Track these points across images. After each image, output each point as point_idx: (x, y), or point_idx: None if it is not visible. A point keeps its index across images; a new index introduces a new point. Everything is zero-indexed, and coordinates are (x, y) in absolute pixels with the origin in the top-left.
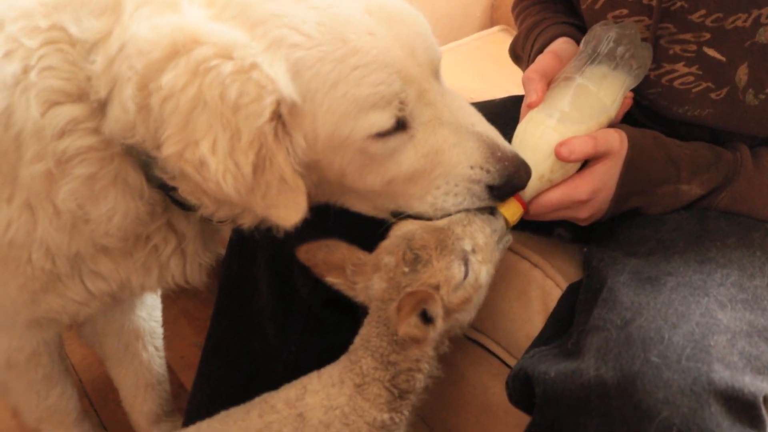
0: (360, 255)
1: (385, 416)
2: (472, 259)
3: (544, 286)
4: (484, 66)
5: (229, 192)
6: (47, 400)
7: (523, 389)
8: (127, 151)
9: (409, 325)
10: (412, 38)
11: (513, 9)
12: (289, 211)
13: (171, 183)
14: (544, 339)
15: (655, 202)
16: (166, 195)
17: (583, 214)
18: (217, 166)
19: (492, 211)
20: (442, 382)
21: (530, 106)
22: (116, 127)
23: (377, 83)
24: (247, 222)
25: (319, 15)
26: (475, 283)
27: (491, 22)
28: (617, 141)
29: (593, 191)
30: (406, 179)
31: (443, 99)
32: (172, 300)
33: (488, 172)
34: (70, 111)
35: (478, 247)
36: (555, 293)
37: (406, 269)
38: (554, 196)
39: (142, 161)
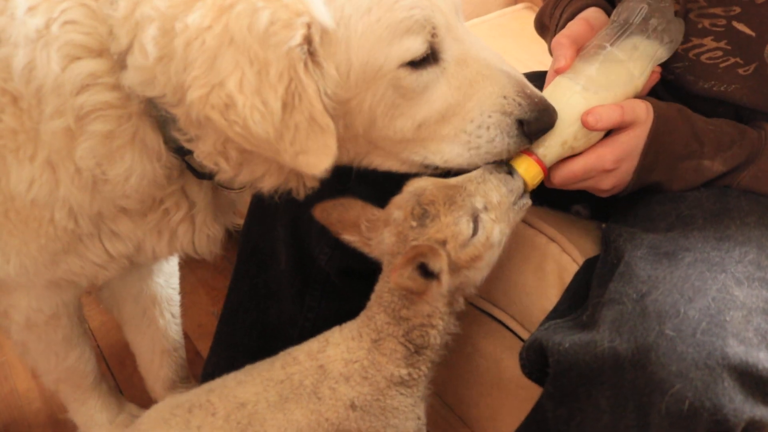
0: (374, 211)
1: (403, 371)
2: (484, 216)
3: (561, 260)
4: (506, 43)
5: (258, 132)
6: (66, 361)
7: (536, 360)
8: (145, 110)
9: (402, 276)
10: None
11: None
12: (318, 156)
13: (188, 146)
14: (559, 312)
15: (678, 177)
16: (182, 160)
17: (605, 185)
18: (245, 104)
19: (510, 170)
20: (456, 353)
21: (558, 72)
22: (136, 77)
23: (411, 7)
24: (268, 184)
25: None
26: (486, 241)
27: None
28: (644, 111)
29: (618, 160)
30: (438, 118)
31: (469, 37)
32: (191, 269)
33: (519, 105)
34: (89, 66)
35: (492, 205)
36: (571, 268)
37: (414, 223)
38: (579, 165)
39: (161, 121)
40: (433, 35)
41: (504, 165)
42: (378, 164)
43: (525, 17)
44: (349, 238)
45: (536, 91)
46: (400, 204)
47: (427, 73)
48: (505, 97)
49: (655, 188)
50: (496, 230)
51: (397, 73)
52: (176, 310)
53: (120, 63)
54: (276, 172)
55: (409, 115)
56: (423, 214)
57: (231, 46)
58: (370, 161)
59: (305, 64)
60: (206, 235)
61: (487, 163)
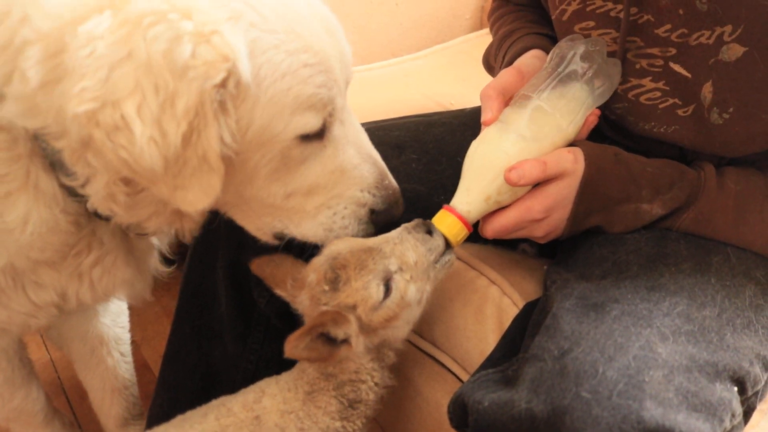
0: (301, 270)
1: (338, 424)
2: (398, 277)
3: (501, 303)
4: (468, 70)
5: (146, 162)
6: (11, 402)
7: (462, 415)
8: (34, 150)
9: (296, 348)
10: (341, 51)
11: (489, 16)
12: (198, 194)
13: (82, 191)
14: (493, 360)
15: (616, 221)
16: (83, 204)
17: (538, 233)
18: (143, 132)
19: (430, 229)
20: (400, 395)
21: (485, 124)
22: (14, 108)
23: (320, 85)
24: (153, 225)
25: (274, 1)
26: (401, 301)
27: (481, 24)
28: (570, 162)
29: (546, 210)
30: (306, 192)
31: (350, 118)
32: (156, 298)
33: (374, 196)
34: None
35: (407, 266)
36: (511, 312)
37: (326, 287)
38: (508, 218)
39: (52, 162)
40: (331, 114)
41: (423, 224)
42: (237, 219)
43: (488, 43)
44: (280, 293)
45: (393, 182)
46: (315, 267)
47: (311, 148)
48: (362, 191)
49: (597, 230)
50: (411, 289)
51: (290, 142)
52: (125, 348)
53: (2, 99)
54: (161, 213)
55: (284, 182)
56: (335, 279)
57: (131, 62)
58: (233, 214)
59: (214, 107)
60: (120, 279)
61: (407, 224)
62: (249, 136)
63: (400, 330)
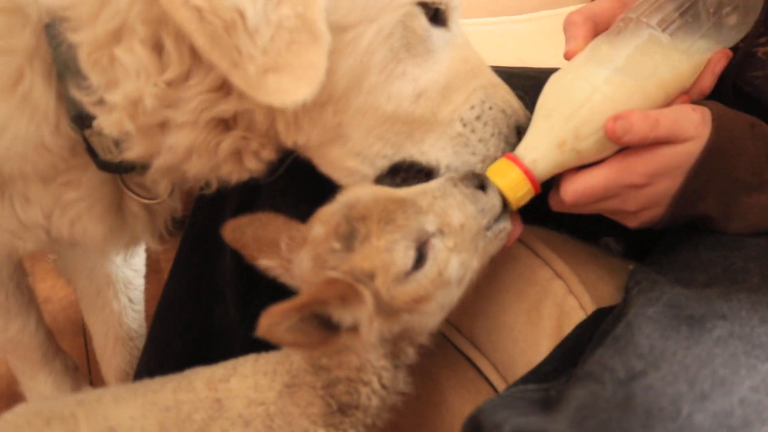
0: (299, 227)
1: (320, 431)
2: (437, 243)
3: (564, 304)
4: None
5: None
6: (7, 332)
7: None
8: (37, 49)
9: (276, 326)
10: None
11: None
12: (297, 79)
13: (93, 109)
14: (539, 374)
15: (737, 215)
16: (82, 135)
17: (632, 206)
18: None
19: (484, 183)
20: (421, 398)
21: (567, 57)
22: None
23: None
24: (194, 168)
25: None
26: (437, 276)
27: None
28: (694, 123)
29: (651, 174)
30: (442, 89)
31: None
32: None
33: (517, 111)
34: None
35: (450, 229)
36: (576, 316)
37: (337, 245)
38: (598, 176)
39: (60, 68)
40: (447, 4)
41: (475, 177)
42: (322, 159)
43: None
44: (267, 262)
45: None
46: (325, 217)
47: (437, 33)
48: (508, 93)
49: (704, 225)
50: (453, 262)
51: (412, 9)
52: (135, 294)
53: None
54: (206, 149)
55: (412, 77)
56: (350, 234)
57: None
58: (323, 155)
59: None
60: (89, 233)
61: (453, 173)
62: None
63: (431, 317)
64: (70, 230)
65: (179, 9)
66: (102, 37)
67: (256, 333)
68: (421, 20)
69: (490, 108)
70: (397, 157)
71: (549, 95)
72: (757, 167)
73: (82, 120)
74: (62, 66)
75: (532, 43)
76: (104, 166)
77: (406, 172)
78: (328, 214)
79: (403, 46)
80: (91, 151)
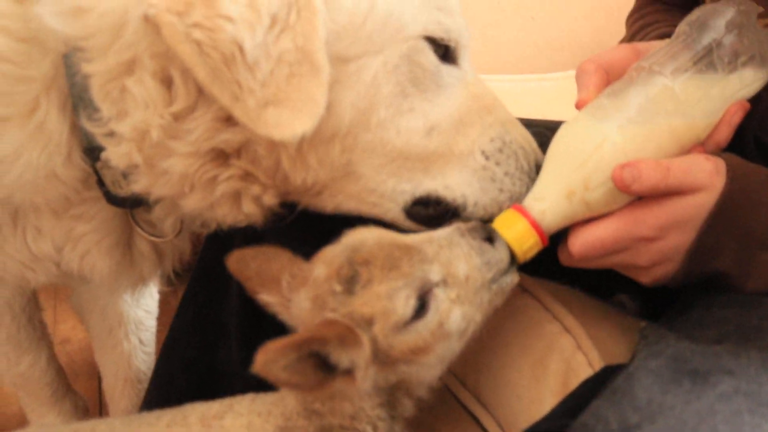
0: (303, 266)
1: None
2: (439, 293)
3: (572, 360)
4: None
5: (226, 44)
6: (18, 366)
7: None
8: (54, 80)
9: (273, 364)
10: None
11: (628, 18)
12: (297, 112)
13: (104, 141)
14: (540, 431)
15: (754, 273)
16: (93, 168)
17: (643, 260)
18: (232, 4)
19: (491, 236)
20: None
21: (578, 107)
22: (55, 4)
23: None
24: (190, 203)
25: None
26: (438, 328)
27: None
28: (707, 172)
29: (661, 227)
30: (455, 123)
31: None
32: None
33: (536, 151)
34: None
35: (454, 280)
36: (583, 373)
37: (338, 287)
38: (607, 228)
39: (74, 99)
40: (457, 42)
41: (483, 228)
42: (351, 195)
43: None
44: (267, 298)
45: None
46: (328, 258)
47: (447, 69)
48: (524, 132)
49: (720, 283)
50: (456, 314)
51: (418, 43)
52: (146, 336)
53: None
54: (200, 181)
55: (422, 112)
56: (352, 277)
57: None
58: (340, 190)
59: None
60: (97, 268)
61: (461, 223)
62: (368, 26)
63: (429, 370)
64: (80, 264)
65: (181, 43)
66: (114, 68)
67: (252, 369)
68: (429, 55)
69: (511, 142)
70: (419, 191)
71: (558, 144)
72: None
73: (93, 152)
74: (76, 97)
75: (557, 101)
76: (114, 200)
77: (435, 206)
78: (332, 255)
79: (410, 81)
80: (102, 184)
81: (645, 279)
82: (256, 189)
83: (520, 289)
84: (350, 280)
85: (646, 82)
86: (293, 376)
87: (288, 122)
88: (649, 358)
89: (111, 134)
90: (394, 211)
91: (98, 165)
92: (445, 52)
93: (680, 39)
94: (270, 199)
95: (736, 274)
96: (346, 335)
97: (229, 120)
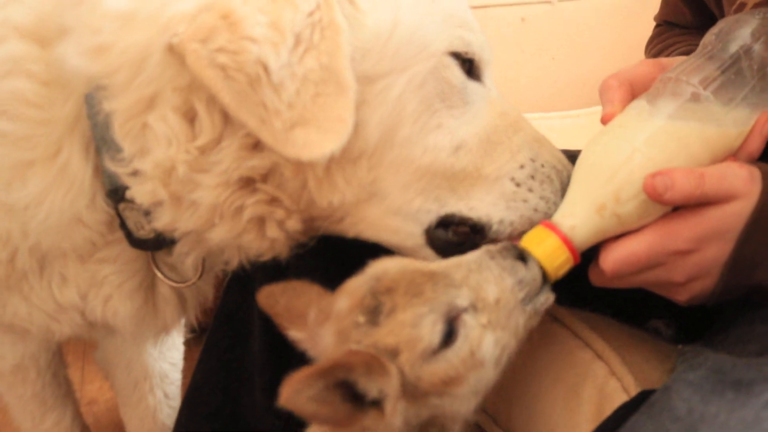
0: (330, 299)
1: None
2: (469, 319)
3: (606, 387)
4: None
5: (250, 65)
6: (42, 424)
7: None
8: (76, 121)
9: (299, 394)
10: None
11: (647, 44)
12: (324, 132)
13: (127, 180)
14: None
15: None
16: (116, 210)
17: (680, 277)
18: (250, 20)
19: (523, 255)
20: None
21: (603, 122)
22: (77, 45)
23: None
24: (217, 236)
25: None
26: (469, 356)
27: None
28: (742, 179)
29: (698, 239)
30: (482, 143)
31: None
32: None
33: (566, 168)
34: (12, 47)
35: (484, 304)
36: (618, 399)
37: (362, 319)
38: (640, 242)
39: (97, 142)
40: (480, 59)
41: (513, 248)
42: (372, 223)
43: None
44: (296, 335)
45: None
46: (350, 290)
47: (472, 86)
48: (553, 149)
49: (761, 298)
50: (488, 340)
51: (444, 59)
52: (172, 390)
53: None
54: (229, 211)
55: (449, 129)
56: (375, 308)
57: None
58: (362, 217)
59: None
60: (120, 311)
61: (490, 246)
62: (393, 45)
63: (463, 403)
64: (103, 310)
65: (206, 69)
66: (135, 104)
67: (278, 402)
68: (455, 71)
69: (542, 165)
70: (444, 211)
71: (587, 159)
72: None
73: (116, 193)
74: (99, 138)
75: (578, 137)
76: (136, 242)
77: (457, 226)
78: (354, 286)
79: (437, 96)
80: (124, 226)
81: (681, 297)
82: (280, 213)
83: (550, 317)
84: (374, 311)
85: (674, 92)
86: (321, 408)
87: (316, 142)
88: (688, 371)
89: (135, 173)
90: (415, 235)
91: (121, 207)
92: (470, 68)
93: (705, 50)
94: (294, 224)
95: None
96: (372, 363)
97: (256, 146)
